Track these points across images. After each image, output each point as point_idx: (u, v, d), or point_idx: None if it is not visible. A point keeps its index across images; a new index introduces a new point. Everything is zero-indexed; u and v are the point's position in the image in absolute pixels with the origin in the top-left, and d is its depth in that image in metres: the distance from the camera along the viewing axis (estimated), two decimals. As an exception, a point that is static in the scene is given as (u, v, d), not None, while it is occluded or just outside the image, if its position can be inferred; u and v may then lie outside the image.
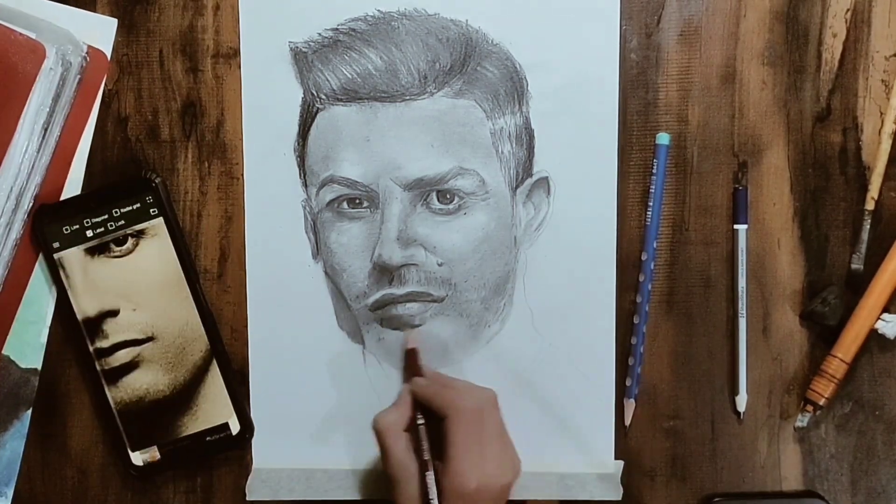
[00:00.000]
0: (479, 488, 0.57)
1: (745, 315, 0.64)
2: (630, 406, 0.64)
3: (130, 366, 0.64)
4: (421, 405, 0.61)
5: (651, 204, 0.63)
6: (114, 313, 0.63)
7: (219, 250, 0.65)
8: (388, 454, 0.59)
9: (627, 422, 0.64)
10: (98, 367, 0.64)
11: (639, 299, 0.64)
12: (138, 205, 0.63)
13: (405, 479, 0.58)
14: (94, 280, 0.63)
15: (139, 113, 0.64)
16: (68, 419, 0.66)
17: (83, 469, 0.66)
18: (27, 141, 0.60)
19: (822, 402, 0.63)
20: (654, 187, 0.63)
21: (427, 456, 0.59)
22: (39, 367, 0.65)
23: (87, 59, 0.61)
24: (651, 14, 0.63)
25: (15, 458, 0.65)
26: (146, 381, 0.64)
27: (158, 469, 0.65)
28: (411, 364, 0.63)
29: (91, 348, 0.63)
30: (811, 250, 0.64)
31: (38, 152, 0.60)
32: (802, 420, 0.64)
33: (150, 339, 0.64)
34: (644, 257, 0.63)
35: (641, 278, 0.64)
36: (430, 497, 0.57)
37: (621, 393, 0.65)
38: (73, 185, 0.64)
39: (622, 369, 0.65)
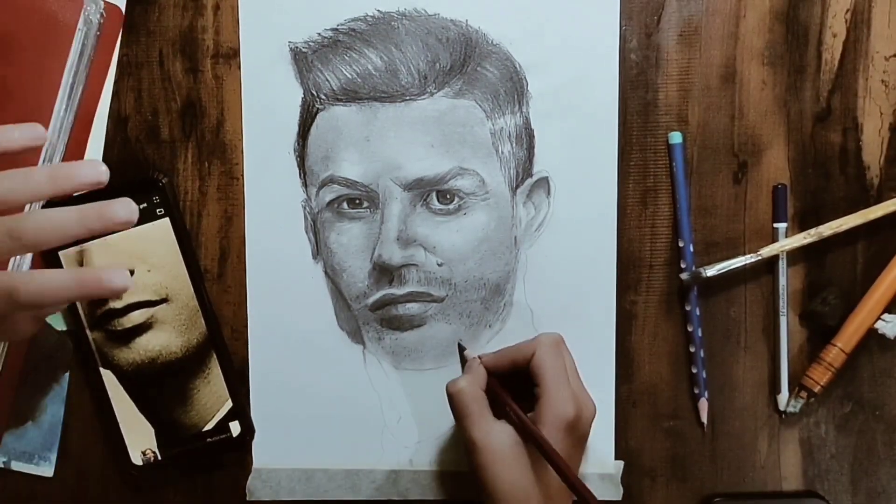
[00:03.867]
0: (577, 416, 0.57)
1: (786, 313, 0.64)
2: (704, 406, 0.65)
3: (144, 327, 0.64)
4: (490, 374, 0.61)
5: (680, 217, 0.63)
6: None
7: (219, 250, 0.65)
8: (471, 417, 0.58)
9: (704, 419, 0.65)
10: (98, 363, 0.63)
11: (690, 328, 0.64)
12: (145, 205, 0.63)
13: (497, 441, 0.57)
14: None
15: (139, 113, 0.64)
16: (68, 419, 0.66)
17: (83, 469, 0.66)
18: (64, 97, 0.56)
19: (816, 389, 0.63)
20: (679, 205, 0.63)
21: (513, 403, 0.58)
22: (66, 328, 0.64)
23: (104, 15, 0.58)
24: (651, 14, 0.63)
25: (56, 422, 0.65)
26: (159, 343, 0.64)
27: (158, 469, 0.65)
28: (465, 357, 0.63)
29: (94, 350, 0.63)
30: (811, 250, 0.64)
31: (65, 111, 0.57)
32: (795, 406, 0.64)
33: (163, 300, 0.64)
34: (685, 277, 0.63)
35: (688, 307, 0.64)
36: (536, 428, 0.56)
37: (621, 393, 0.65)
38: (93, 150, 0.63)
39: (622, 370, 0.65)
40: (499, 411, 0.59)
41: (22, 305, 0.47)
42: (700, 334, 0.64)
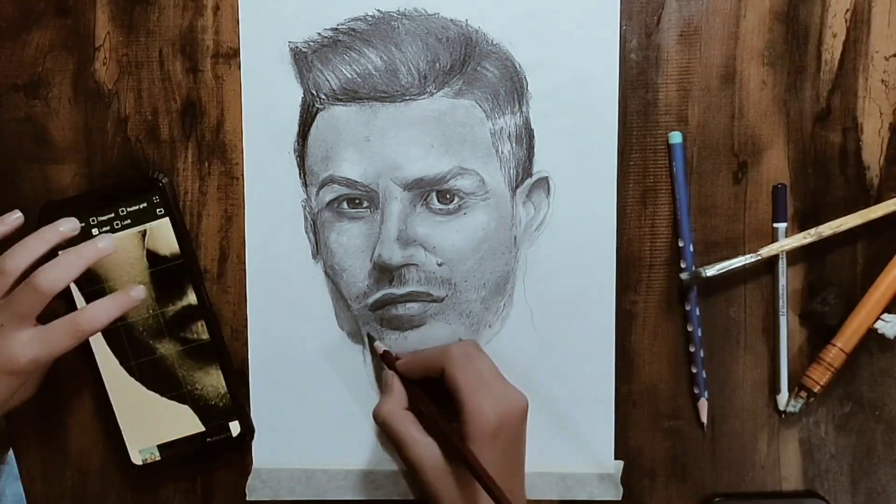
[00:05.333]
0: (500, 421, 0.57)
1: (785, 313, 0.64)
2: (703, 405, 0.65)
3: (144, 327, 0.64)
4: (409, 383, 0.61)
5: (680, 217, 0.63)
6: None
7: (219, 250, 0.65)
8: (401, 437, 0.59)
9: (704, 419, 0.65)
10: (98, 363, 0.64)
11: (690, 328, 0.64)
12: (145, 204, 0.63)
13: (427, 455, 0.58)
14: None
15: (139, 113, 0.64)
16: (68, 419, 0.66)
17: (83, 469, 0.66)
18: None
19: (816, 388, 0.63)
20: (679, 205, 0.63)
21: (436, 416, 0.58)
22: None
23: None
24: (651, 14, 0.63)
25: (19, 500, 0.65)
26: (159, 343, 0.64)
27: (158, 469, 0.65)
28: (389, 361, 0.63)
29: (94, 350, 0.63)
30: (811, 250, 0.64)
31: None
32: (794, 406, 0.64)
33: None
34: (685, 276, 0.63)
35: (688, 307, 0.64)
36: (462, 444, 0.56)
37: (621, 393, 0.65)
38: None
39: (622, 370, 0.65)
40: (424, 421, 0.59)
41: (85, 335, 0.59)
42: (700, 334, 0.64)
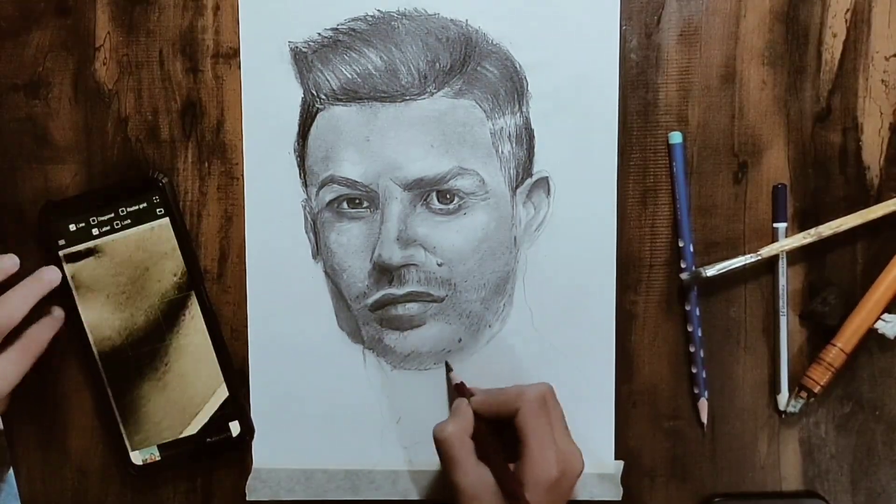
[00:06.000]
0: (561, 475, 0.57)
1: (786, 313, 0.64)
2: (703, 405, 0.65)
3: (144, 327, 0.64)
4: (480, 418, 0.61)
5: (680, 217, 0.63)
6: None
7: (219, 250, 0.65)
8: (458, 461, 0.58)
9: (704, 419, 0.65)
10: (102, 371, 0.64)
11: (690, 328, 0.64)
12: (145, 204, 0.63)
13: (479, 485, 0.57)
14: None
15: (139, 113, 0.64)
16: (68, 419, 0.66)
17: (83, 469, 0.66)
18: None
19: (816, 389, 0.63)
20: (679, 205, 0.63)
21: (500, 456, 0.58)
22: (1, 426, 0.65)
23: None
24: (651, 14, 0.63)
25: None
26: (159, 343, 0.64)
27: (158, 469, 0.65)
28: (463, 392, 0.63)
29: (95, 350, 0.63)
30: (811, 250, 0.64)
31: None
32: (795, 406, 0.64)
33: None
34: (685, 276, 0.63)
35: (688, 307, 0.64)
36: (519, 488, 0.56)
37: (621, 393, 0.65)
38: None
39: (622, 370, 0.65)
40: (483, 453, 0.59)
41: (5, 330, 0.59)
42: (700, 334, 0.64)
